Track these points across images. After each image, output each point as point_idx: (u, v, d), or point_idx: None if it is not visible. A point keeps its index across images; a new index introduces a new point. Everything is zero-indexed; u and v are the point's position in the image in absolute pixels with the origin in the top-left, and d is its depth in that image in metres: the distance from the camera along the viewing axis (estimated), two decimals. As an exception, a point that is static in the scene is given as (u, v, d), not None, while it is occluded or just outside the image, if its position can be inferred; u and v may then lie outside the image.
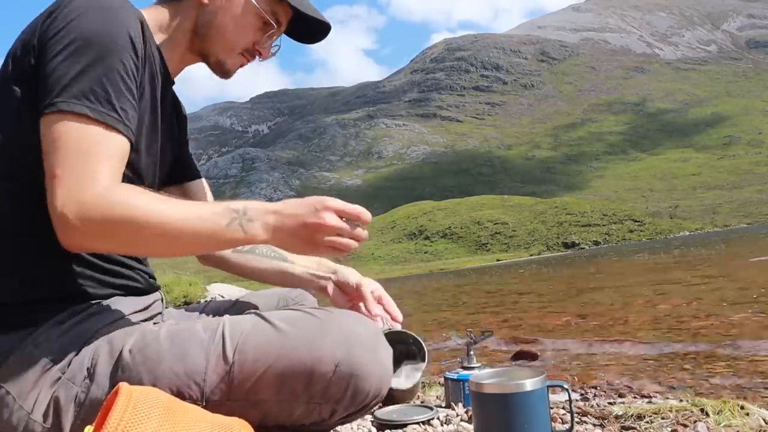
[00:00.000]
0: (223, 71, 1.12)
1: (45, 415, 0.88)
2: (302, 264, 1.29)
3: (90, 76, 0.87)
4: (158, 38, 1.05)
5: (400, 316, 1.27)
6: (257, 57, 1.15)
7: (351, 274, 1.29)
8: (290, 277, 1.28)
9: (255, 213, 0.92)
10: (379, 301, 1.26)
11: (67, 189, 0.83)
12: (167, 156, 1.14)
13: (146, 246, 0.91)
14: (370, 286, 1.27)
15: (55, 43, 0.88)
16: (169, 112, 1.13)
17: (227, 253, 1.28)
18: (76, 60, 0.87)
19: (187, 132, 1.28)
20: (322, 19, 1.14)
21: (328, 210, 0.93)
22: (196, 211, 0.90)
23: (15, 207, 0.92)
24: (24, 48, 0.92)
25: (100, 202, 0.83)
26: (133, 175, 0.98)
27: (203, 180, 1.31)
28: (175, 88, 1.16)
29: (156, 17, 1.07)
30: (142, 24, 0.97)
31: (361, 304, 1.25)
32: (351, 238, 0.95)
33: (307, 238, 0.93)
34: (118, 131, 0.89)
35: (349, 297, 1.28)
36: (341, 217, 0.94)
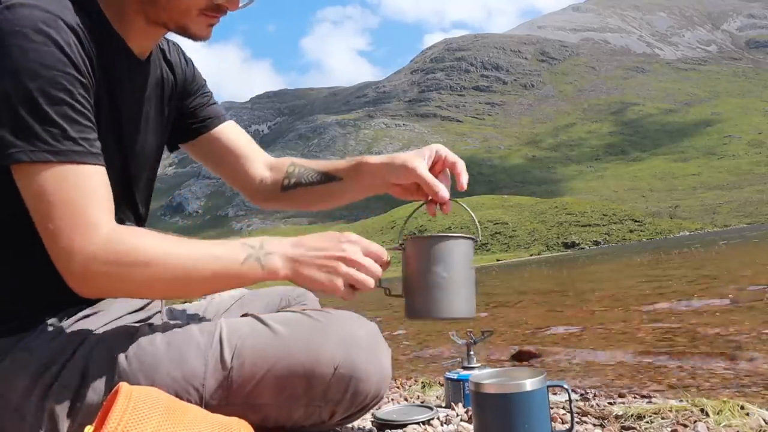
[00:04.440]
0: (192, 35, 0.99)
1: (40, 422, 0.86)
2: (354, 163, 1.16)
3: (39, 116, 0.80)
4: (113, 19, 0.96)
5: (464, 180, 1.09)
6: (227, 11, 0.99)
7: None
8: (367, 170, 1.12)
9: (273, 246, 0.90)
10: (452, 168, 1.09)
11: (68, 242, 0.80)
12: (160, 136, 1.11)
13: (160, 290, 0.89)
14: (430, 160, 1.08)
15: None
16: (153, 88, 1.06)
17: (278, 193, 1.23)
18: (17, 101, 0.79)
19: (191, 83, 1.18)
20: None
21: (352, 243, 0.92)
22: (210, 250, 0.87)
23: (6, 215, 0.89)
24: None
25: (104, 250, 0.81)
26: (129, 178, 1.00)
27: (231, 122, 1.23)
28: None
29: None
30: (75, 28, 0.86)
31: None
32: (368, 276, 0.91)
33: (330, 269, 0.89)
34: (88, 163, 0.84)
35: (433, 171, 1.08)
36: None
